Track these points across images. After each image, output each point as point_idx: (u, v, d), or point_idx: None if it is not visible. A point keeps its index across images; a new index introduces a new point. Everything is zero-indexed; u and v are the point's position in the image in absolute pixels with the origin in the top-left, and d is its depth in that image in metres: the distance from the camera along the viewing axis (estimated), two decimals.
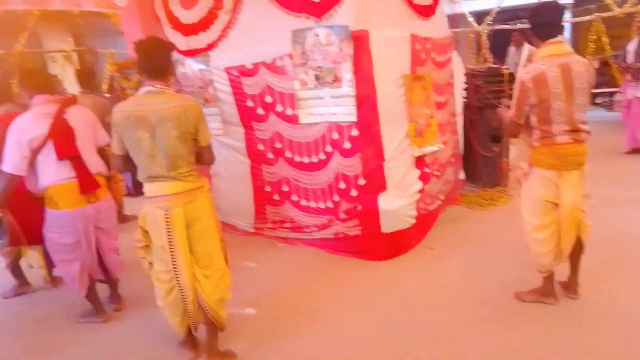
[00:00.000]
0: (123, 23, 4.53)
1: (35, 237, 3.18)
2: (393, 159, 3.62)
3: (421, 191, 3.85)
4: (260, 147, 4.14)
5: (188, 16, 4.10)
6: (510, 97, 3.87)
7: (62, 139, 2.84)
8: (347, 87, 3.48)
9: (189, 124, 2.31)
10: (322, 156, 3.79)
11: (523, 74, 2.64)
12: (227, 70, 4.03)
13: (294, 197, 4.09)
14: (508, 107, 2.89)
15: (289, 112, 3.84)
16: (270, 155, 4.11)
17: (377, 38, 3.48)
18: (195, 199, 2.39)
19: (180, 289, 2.43)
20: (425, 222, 4.07)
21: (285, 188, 4.12)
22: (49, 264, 3.64)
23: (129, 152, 2.36)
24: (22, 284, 3.81)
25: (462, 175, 5.11)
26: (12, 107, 3.71)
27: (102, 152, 3.12)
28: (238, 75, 3.98)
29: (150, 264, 2.49)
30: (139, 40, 2.39)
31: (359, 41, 3.40)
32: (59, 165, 2.84)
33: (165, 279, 2.43)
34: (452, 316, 2.83)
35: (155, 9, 4.29)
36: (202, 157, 2.49)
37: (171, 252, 2.36)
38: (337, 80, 3.51)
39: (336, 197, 3.81)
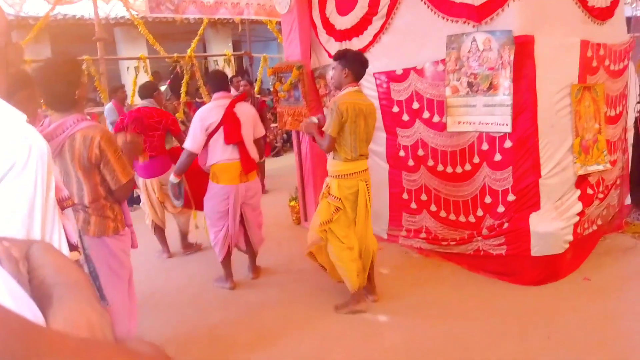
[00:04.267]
0: (283, 28, 4.84)
1: (201, 204, 3.79)
2: (552, 176, 3.29)
3: (581, 214, 3.44)
4: (402, 153, 4.09)
5: (343, 22, 4.23)
6: None
7: (231, 127, 3.42)
8: (504, 95, 3.26)
9: (376, 117, 3.15)
10: (468, 167, 3.61)
11: None
12: (376, 75, 4.06)
13: (433, 208, 3.96)
14: None
15: (436, 119, 3.73)
16: (411, 163, 4.04)
17: (544, 44, 3.21)
18: None
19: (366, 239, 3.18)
20: (580, 248, 3.63)
21: (424, 197, 4.01)
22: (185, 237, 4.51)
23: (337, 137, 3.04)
24: (166, 250, 4.52)
25: (628, 200, 4.47)
26: (149, 102, 4.30)
27: (257, 142, 3.64)
28: (387, 80, 3.99)
29: (327, 231, 3.12)
30: (353, 51, 3.19)
31: (523, 47, 3.16)
32: (224, 148, 3.44)
33: (347, 240, 3.11)
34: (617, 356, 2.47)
35: (312, 16, 4.51)
36: None
37: (368, 212, 3.14)
38: (492, 87, 3.32)
39: (480, 212, 3.60)
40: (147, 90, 4.39)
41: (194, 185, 3.83)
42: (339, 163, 3.07)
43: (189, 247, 4.58)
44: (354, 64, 3.04)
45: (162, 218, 4.41)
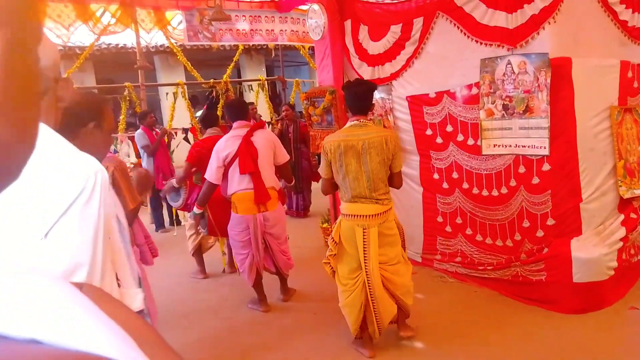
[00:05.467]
0: (316, 54, 4.94)
1: (225, 232, 3.81)
2: (593, 200, 3.20)
3: (625, 239, 3.31)
4: (436, 176, 4.06)
5: (375, 47, 4.28)
6: None
7: (246, 157, 3.43)
8: (541, 118, 3.21)
9: (388, 151, 2.73)
10: (504, 190, 3.55)
11: None
12: (409, 99, 4.08)
13: (468, 231, 3.89)
14: None
15: (470, 142, 3.70)
16: (445, 186, 4.00)
17: (581, 66, 3.16)
18: (387, 218, 2.81)
19: (370, 289, 2.78)
20: (627, 276, 3.48)
21: (459, 220, 3.95)
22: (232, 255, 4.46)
23: (334, 177, 2.83)
24: (202, 271, 4.57)
25: None
26: (216, 131, 4.37)
27: (282, 168, 3.68)
28: (420, 103, 4.00)
29: (333, 270, 2.95)
30: (347, 82, 2.90)
31: (559, 69, 3.12)
32: (241, 178, 3.46)
33: (348, 283, 2.85)
34: None
35: (345, 42, 4.59)
36: (393, 181, 2.87)
37: (365, 260, 2.76)
38: (529, 110, 3.28)
39: (518, 236, 3.52)
40: (210, 122, 4.46)
41: (217, 214, 3.87)
42: (342, 202, 2.91)
43: (233, 267, 4.60)
44: (347, 97, 2.86)
45: (208, 241, 4.50)
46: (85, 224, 0.88)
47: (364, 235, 2.75)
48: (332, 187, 2.93)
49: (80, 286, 0.60)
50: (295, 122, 6.47)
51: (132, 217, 2.39)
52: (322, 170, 2.87)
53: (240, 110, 3.68)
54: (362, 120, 2.80)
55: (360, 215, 2.77)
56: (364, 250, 2.76)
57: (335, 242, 2.87)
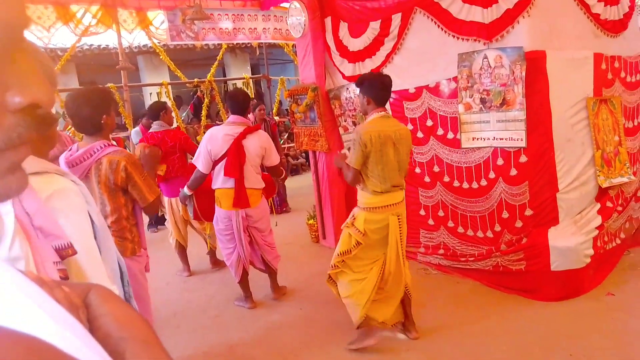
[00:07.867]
0: (297, 52, 4.97)
1: (209, 218, 3.88)
2: (570, 190, 3.27)
3: (600, 227, 3.39)
4: (418, 170, 4.11)
5: (355, 44, 4.32)
6: None
7: (233, 161, 3.43)
8: (517, 110, 3.28)
9: (410, 143, 2.93)
10: (484, 182, 3.61)
11: None
12: None
13: (450, 224, 3.95)
14: None
15: (450, 136, 3.76)
16: (427, 179, 4.06)
17: (555, 59, 3.23)
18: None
19: (390, 276, 2.91)
20: (603, 263, 3.57)
21: (441, 213, 4.01)
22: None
23: (368, 168, 2.81)
24: (187, 269, 4.63)
25: None
26: (160, 125, 4.39)
27: (273, 169, 3.70)
28: (400, 99, 4.05)
29: (336, 266, 2.96)
30: (369, 74, 3.02)
31: (534, 63, 3.18)
32: (226, 177, 3.48)
33: (363, 270, 2.92)
34: None
35: (326, 39, 4.62)
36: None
37: (399, 249, 2.86)
38: (505, 103, 3.34)
39: (498, 227, 3.59)
40: (154, 112, 4.47)
41: (202, 202, 3.88)
42: (367, 195, 2.85)
43: (217, 264, 4.68)
44: (372, 89, 2.83)
45: (184, 236, 4.53)
46: None
47: (399, 222, 2.85)
48: (359, 179, 2.87)
49: (90, 286, 0.57)
50: (266, 121, 6.44)
51: (153, 208, 2.37)
52: (355, 160, 2.78)
53: (239, 104, 3.56)
54: (385, 112, 2.88)
55: (394, 204, 2.84)
56: (400, 237, 2.86)
57: (362, 233, 2.84)
